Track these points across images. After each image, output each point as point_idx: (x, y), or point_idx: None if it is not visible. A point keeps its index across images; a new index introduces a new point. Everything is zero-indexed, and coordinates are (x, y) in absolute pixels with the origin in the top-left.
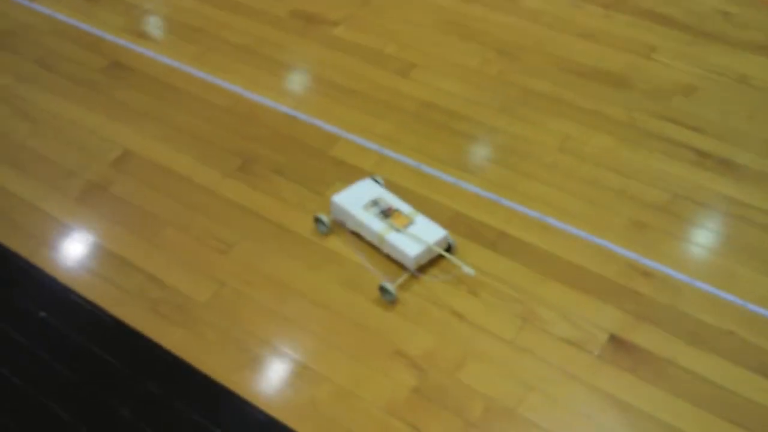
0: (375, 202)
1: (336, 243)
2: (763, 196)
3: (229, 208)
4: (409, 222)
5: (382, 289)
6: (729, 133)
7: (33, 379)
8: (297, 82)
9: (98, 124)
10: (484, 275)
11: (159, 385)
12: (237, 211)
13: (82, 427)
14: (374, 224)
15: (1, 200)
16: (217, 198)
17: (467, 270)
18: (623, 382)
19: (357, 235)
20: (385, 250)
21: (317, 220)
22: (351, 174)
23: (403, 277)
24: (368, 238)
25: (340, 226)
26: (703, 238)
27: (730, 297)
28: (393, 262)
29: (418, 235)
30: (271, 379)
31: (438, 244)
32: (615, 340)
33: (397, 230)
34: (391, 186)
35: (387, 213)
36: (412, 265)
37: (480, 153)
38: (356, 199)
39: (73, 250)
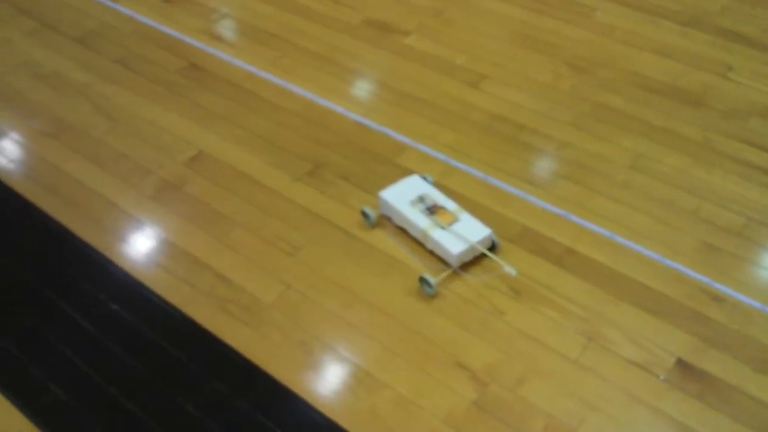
0: (421, 199)
1: (401, 252)
2: None
3: (298, 212)
4: (454, 219)
5: (423, 281)
6: None
7: (104, 371)
8: (367, 90)
9: (175, 124)
10: (548, 290)
11: (225, 384)
12: (305, 215)
13: (149, 421)
14: (419, 220)
15: (79, 194)
16: (286, 201)
17: (509, 269)
18: (689, 408)
19: (403, 231)
20: (429, 246)
21: (363, 214)
22: None
23: (446, 273)
24: (413, 233)
25: (387, 221)
26: None
27: None
28: (437, 258)
29: (462, 233)
30: (332, 383)
31: (482, 242)
32: (682, 365)
33: (442, 227)
34: (457, 197)
35: (432, 210)
36: (455, 263)
37: (549, 167)
38: (403, 195)
39: (146, 246)
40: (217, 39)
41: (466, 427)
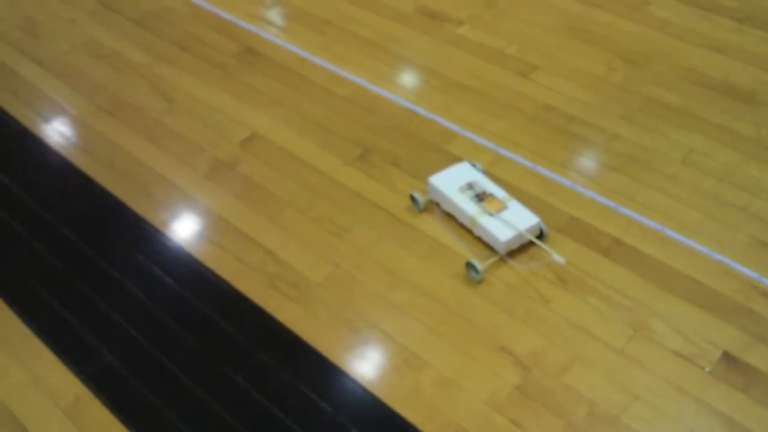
0: (470, 186)
1: (447, 238)
2: None
3: (347, 195)
4: (503, 207)
5: (469, 266)
6: None
7: (156, 340)
8: (418, 77)
9: (229, 105)
10: (595, 280)
11: (272, 357)
12: (353, 198)
13: (197, 390)
14: (468, 207)
15: (136, 171)
16: (335, 184)
17: (557, 258)
18: (733, 401)
19: (451, 217)
20: (477, 232)
21: (412, 198)
22: None
23: (492, 259)
24: (461, 220)
25: (435, 206)
26: None
27: None
28: (484, 244)
29: (511, 221)
30: (376, 360)
31: (530, 230)
32: (728, 358)
33: (490, 214)
34: (505, 185)
35: (481, 197)
36: (502, 249)
37: (599, 159)
38: (452, 182)
39: (199, 222)
40: (271, 24)
41: (508, 410)
